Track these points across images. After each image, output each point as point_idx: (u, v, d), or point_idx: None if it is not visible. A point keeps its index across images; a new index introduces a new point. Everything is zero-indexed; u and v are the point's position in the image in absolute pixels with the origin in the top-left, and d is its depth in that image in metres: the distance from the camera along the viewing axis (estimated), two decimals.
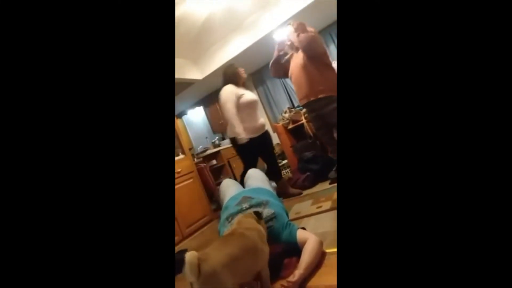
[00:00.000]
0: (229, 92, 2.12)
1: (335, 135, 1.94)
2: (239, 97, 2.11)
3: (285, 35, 1.97)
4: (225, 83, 2.22)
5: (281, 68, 2.04)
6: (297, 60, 1.93)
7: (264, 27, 2.97)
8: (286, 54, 1.99)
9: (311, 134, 2.92)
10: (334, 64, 2.08)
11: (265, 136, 2.31)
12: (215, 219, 2.58)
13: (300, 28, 1.88)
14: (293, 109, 3.33)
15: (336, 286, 0.87)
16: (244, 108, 2.14)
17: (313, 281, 0.95)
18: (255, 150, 2.22)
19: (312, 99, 1.87)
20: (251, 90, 4.17)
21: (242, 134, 2.07)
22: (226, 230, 1.24)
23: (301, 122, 2.99)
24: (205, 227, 2.51)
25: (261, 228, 1.00)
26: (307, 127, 2.92)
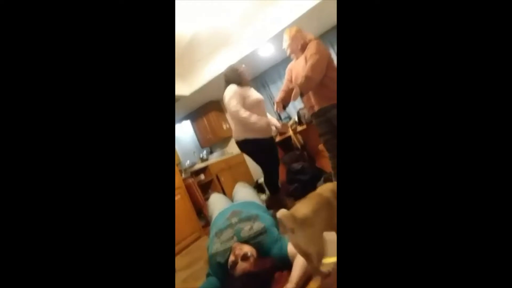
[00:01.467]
0: (232, 91, 1.91)
1: None
2: (244, 98, 1.92)
3: (285, 42, 1.92)
4: (227, 84, 2.02)
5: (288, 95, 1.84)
6: (300, 66, 1.86)
7: (250, 43, 3.04)
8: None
9: (299, 146, 2.96)
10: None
11: (272, 141, 2.12)
12: (204, 236, 2.52)
13: (297, 35, 1.88)
14: (280, 121, 3.37)
15: None
16: (252, 108, 1.93)
17: None
18: (270, 148, 2.02)
19: (324, 106, 1.82)
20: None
21: (260, 121, 1.85)
22: (215, 246, 1.22)
23: (288, 134, 3.02)
24: (194, 244, 2.45)
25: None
26: (295, 139, 2.96)
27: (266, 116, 2.06)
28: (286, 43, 1.92)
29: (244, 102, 1.92)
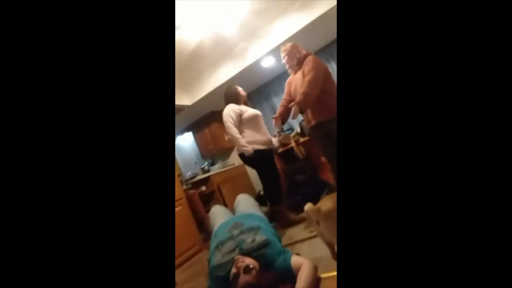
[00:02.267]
0: (229, 110, 2.17)
1: None
2: (241, 114, 2.16)
3: (274, 63, 2.02)
4: (226, 103, 2.27)
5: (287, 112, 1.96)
6: (299, 82, 1.89)
7: (253, 54, 3.07)
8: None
9: (301, 157, 2.93)
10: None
11: (271, 153, 2.29)
12: (205, 249, 2.46)
13: (292, 50, 1.91)
14: (282, 133, 3.36)
15: None
16: (248, 123, 2.17)
17: None
18: (268, 160, 2.19)
19: (321, 120, 1.85)
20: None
21: (246, 146, 2.09)
22: (216, 259, 1.18)
23: (291, 146, 3.00)
24: (194, 258, 2.38)
25: None
26: (297, 151, 2.93)
27: (264, 131, 2.24)
28: (283, 59, 1.97)
29: (241, 119, 2.16)
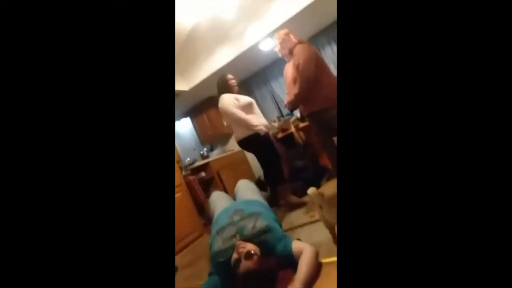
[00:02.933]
0: (227, 99, 2.20)
1: (334, 140, 1.92)
2: (237, 101, 2.19)
3: (273, 46, 1.98)
4: (220, 93, 2.30)
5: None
6: (290, 73, 1.90)
7: (251, 37, 2.98)
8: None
9: (301, 143, 2.92)
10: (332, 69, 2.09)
11: (270, 137, 2.32)
12: (205, 234, 2.49)
13: (285, 39, 1.89)
14: (281, 118, 3.33)
15: None
16: (246, 109, 2.19)
17: None
18: (267, 144, 2.20)
19: (313, 110, 1.86)
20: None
21: (259, 125, 2.10)
22: (217, 245, 1.18)
23: (291, 131, 2.98)
24: (195, 243, 2.41)
25: None
26: (297, 136, 2.92)
27: (259, 115, 2.26)
28: (276, 47, 1.94)
29: (239, 104, 2.17)
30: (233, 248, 1.10)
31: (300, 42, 1.89)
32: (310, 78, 1.76)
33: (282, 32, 1.91)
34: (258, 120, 2.17)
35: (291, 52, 1.88)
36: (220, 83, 2.33)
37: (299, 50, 1.81)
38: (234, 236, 1.17)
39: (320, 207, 1.12)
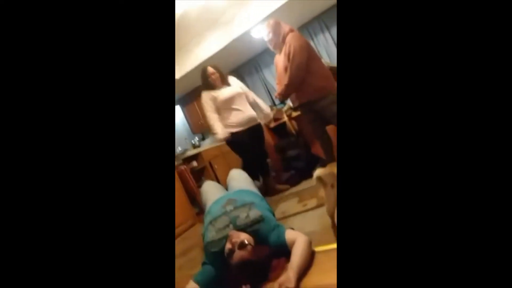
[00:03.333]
0: (204, 99, 2.23)
1: (328, 129, 1.93)
2: (215, 99, 2.18)
3: (263, 35, 1.93)
4: (201, 88, 2.30)
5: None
6: (281, 63, 1.88)
7: (242, 24, 2.91)
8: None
9: (294, 132, 2.91)
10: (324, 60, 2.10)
11: (255, 129, 2.30)
12: (198, 223, 2.49)
13: (276, 28, 1.85)
14: (274, 107, 3.30)
15: (326, 286, 0.84)
16: (224, 106, 2.19)
17: (304, 282, 0.91)
18: (245, 143, 2.24)
19: (304, 101, 1.85)
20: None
21: (220, 133, 2.18)
22: (210, 235, 1.18)
23: (283, 120, 2.96)
24: (187, 232, 2.41)
25: None
26: (290, 125, 2.91)
27: (242, 110, 2.22)
28: (267, 37, 1.89)
29: (216, 103, 2.18)
30: (226, 238, 1.10)
31: (291, 30, 1.86)
32: (301, 66, 1.74)
33: (272, 21, 1.88)
34: (237, 117, 2.18)
35: (283, 40, 1.85)
36: (202, 78, 2.28)
37: (290, 38, 1.78)
38: (227, 226, 1.17)
39: (332, 186, 1.15)
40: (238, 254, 1.02)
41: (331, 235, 1.17)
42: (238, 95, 2.24)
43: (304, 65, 1.75)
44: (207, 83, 2.23)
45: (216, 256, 1.10)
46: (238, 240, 1.04)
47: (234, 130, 2.18)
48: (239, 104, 2.21)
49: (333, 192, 1.18)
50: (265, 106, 2.41)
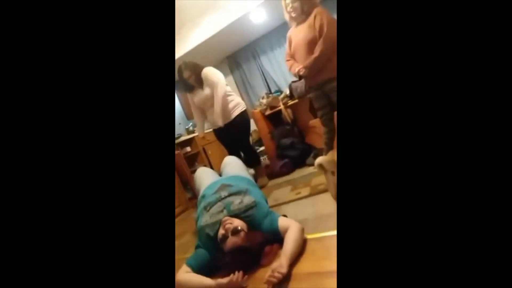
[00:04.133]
0: (188, 97, 2.40)
1: (335, 116, 1.87)
2: (192, 99, 2.34)
3: (264, 19, 1.83)
4: (179, 88, 2.54)
5: None
6: (303, 34, 1.76)
7: (240, 7, 2.82)
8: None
9: (289, 120, 2.90)
10: None
11: (236, 122, 2.29)
12: (191, 208, 2.50)
13: None
14: (270, 95, 3.27)
15: (318, 273, 0.87)
16: (200, 105, 2.34)
17: (296, 268, 0.93)
18: (227, 136, 2.35)
19: (321, 79, 1.76)
20: (226, 75, 4.05)
21: (197, 132, 2.43)
22: (204, 219, 1.18)
23: (279, 108, 2.95)
24: (180, 216, 2.43)
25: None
26: (285, 113, 2.89)
27: (213, 109, 2.26)
28: (289, 5, 1.75)
29: (194, 103, 2.35)
30: (219, 223, 1.10)
31: (317, 3, 1.77)
32: (334, 40, 1.64)
33: None
34: (210, 117, 2.31)
35: (308, 13, 1.75)
36: (179, 79, 2.29)
37: (320, 11, 1.70)
38: (221, 211, 1.18)
39: (333, 173, 1.20)
40: (231, 240, 1.03)
41: (324, 223, 1.19)
42: (207, 97, 2.24)
43: (334, 40, 1.64)
44: (186, 85, 2.31)
45: (210, 240, 1.11)
46: (232, 226, 1.05)
47: (215, 126, 2.31)
48: (213, 104, 2.23)
49: (333, 179, 1.23)
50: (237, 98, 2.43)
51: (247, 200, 1.21)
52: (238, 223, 1.08)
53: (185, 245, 1.61)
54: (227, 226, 1.06)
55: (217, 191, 1.33)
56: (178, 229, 2.06)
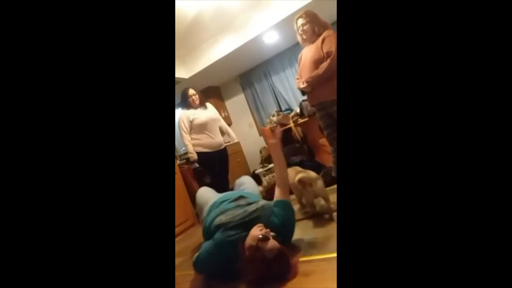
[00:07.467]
0: (181, 118, 2.40)
1: None
2: (191, 121, 2.37)
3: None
4: (180, 105, 2.49)
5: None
6: (311, 54, 1.82)
7: (255, 28, 2.93)
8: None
9: (299, 138, 2.90)
10: None
11: (222, 153, 2.51)
12: (197, 224, 2.48)
13: (314, 19, 1.81)
14: (281, 113, 3.31)
15: None
16: (198, 128, 2.38)
17: None
18: (212, 163, 2.43)
19: (324, 100, 1.81)
20: (238, 93, 4.12)
21: (194, 155, 2.38)
22: (218, 218, 1.22)
23: (289, 126, 2.97)
24: (187, 232, 2.41)
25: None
26: (295, 131, 2.90)
27: (213, 134, 2.42)
28: (301, 27, 1.84)
29: (192, 124, 2.37)
30: (242, 226, 1.14)
31: (329, 25, 1.84)
32: (335, 67, 1.69)
33: (311, 12, 1.84)
34: (206, 140, 2.37)
35: (319, 34, 1.81)
36: (182, 97, 2.42)
37: (331, 34, 1.76)
38: (242, 218, 1.19)
39: (310, 184, 1.49)
40: (272, 242, 1.01)
41: (333, 243, 1.16)
42: (212, 120, 2.42)
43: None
44: (186, 103, 2.40)
45: (226, 243, 1.13)
46: (269, 232, 1.04)
47: (203, 150, 2.37)
48: (210, 130, 2.40)
49: (311, 189, 1.50)
50: (233, 134, 2.68)
51: (262, 202, 1.29)
52: (265, 231, 1.06)
53: (190, 260, 1.59)
54: (264, 231, 1.05)
55: (235, 200, 1.37)
56: (184, 244, 2.04)
